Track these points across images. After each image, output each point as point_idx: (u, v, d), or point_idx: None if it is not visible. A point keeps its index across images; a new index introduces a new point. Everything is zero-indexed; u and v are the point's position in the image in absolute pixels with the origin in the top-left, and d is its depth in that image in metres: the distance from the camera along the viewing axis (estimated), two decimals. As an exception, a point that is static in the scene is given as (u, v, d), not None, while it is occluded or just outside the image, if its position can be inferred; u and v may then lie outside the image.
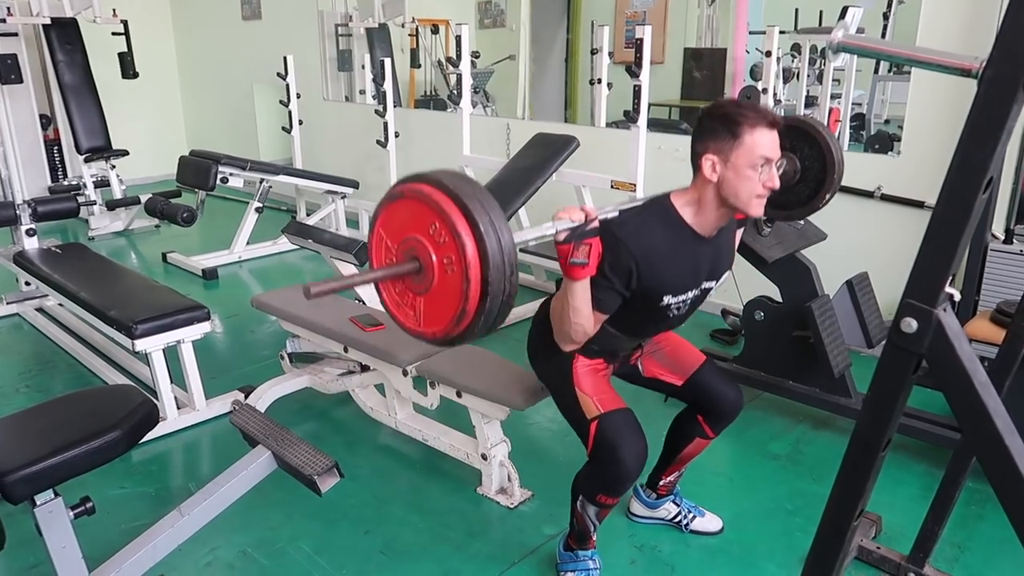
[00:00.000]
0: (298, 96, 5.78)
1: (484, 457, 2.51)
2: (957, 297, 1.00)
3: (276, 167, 5.28)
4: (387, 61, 4.98)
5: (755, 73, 6.64)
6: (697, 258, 1.81)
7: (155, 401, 1.88)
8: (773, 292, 3.01)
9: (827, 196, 2.38)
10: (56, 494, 1.73)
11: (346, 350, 2.82)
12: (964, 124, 0.95)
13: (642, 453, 1.88)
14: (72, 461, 1.65)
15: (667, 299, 1.79)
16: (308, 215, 5.84)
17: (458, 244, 1.32)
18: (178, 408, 2.97)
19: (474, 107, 4.75)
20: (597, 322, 1.75)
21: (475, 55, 4.23)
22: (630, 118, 3.50)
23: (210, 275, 4.81)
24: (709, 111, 1.72)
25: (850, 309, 2.93)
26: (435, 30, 7.10)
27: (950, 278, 0.99)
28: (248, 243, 5.23)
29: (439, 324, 1.42)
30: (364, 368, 2.90)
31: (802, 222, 2.98)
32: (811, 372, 2.90)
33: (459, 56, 4.15)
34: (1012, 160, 3.10)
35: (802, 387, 2.95)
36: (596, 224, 1.58)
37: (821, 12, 6.04)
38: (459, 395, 2.48)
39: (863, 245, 3.45)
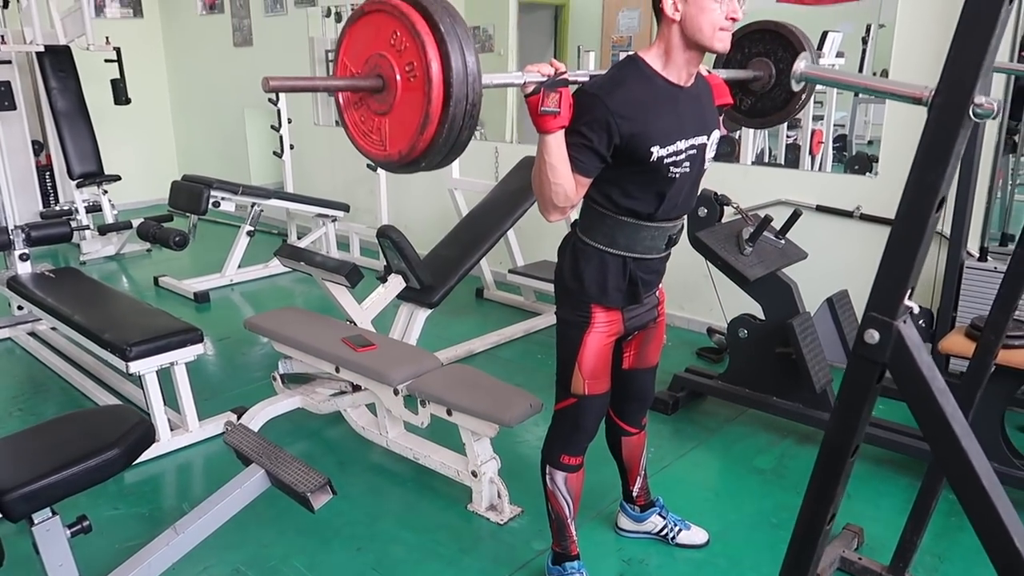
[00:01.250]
0: (289, 121, 5.86)
1: (474, 474, 2.55)
2: (916, 310, 1.06)
3: (267, 191, 5.34)
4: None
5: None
6: (677, 106, 1.77)
7: (151, 421, 1.91)
8: (757, 310, 3.07)
9: (803, 98, 2.28)
10: (54, 512, 1.76)
11: (338, 370, 2.86)
12: (916, 149, 1.01)
13: (600, 418, 2.08)
14: (71, 479, 1.69)
15: (656, 151, 1.72)
16: (299, 238, 5.89)
17: (418, 46, 1.31)
18: (171, 430, 3.00)
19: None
20: (580, 188, 1.71)
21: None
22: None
23: (202, 298, 4.85)
24: None
25: (831, 326, 3.00)
26: None
27: (909, 291, 1.06)
28: (239, 266, 5.27)
29: (404, 140, 1.39)
30: (356, 388, 2.94)
31: (783, 241, 3.07)
32: (794, 388, 2.96)
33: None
34: (984, 182, 3.19)
35: (786, 403, 3.01)
36: (565, 76, 1.59)
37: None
38: (449, 413, 2.52)
39: (844, 264, 3.53)
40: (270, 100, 5.85)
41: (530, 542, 2.43)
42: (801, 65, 1.08)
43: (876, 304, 1.07)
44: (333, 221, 5.56)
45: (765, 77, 2.19)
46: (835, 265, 3.52)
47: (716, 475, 2.86)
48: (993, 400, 2.55)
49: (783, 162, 4.82)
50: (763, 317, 3.05)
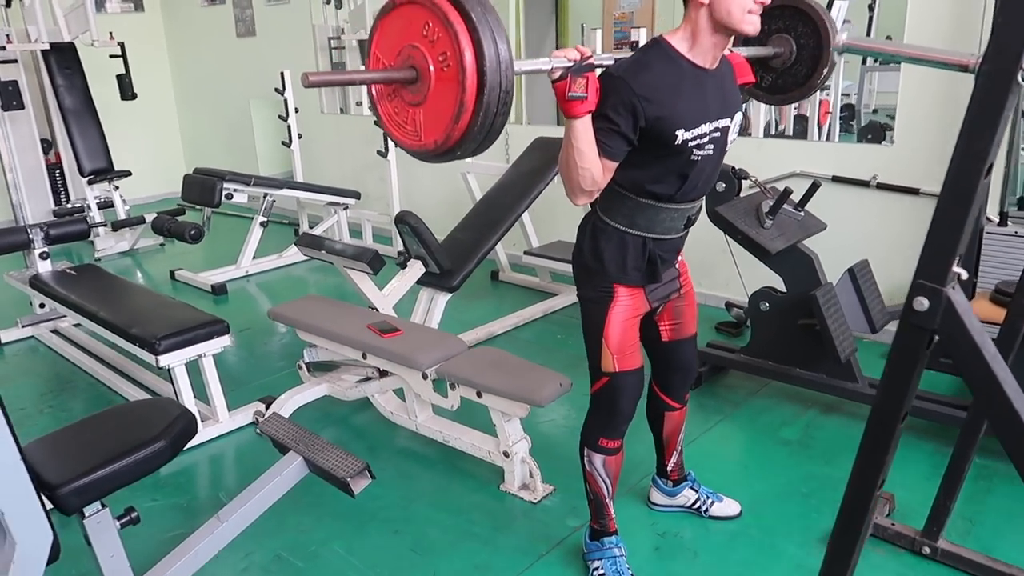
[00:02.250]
0: (296, 110, 5.85)
1: (506, 454, 2.58)
2: (964, 276, 1.07)
3: (279, 181, 5.35)
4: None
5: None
6: (703, 89, 1.77)
7: (192, 412, 1.94)
8: (776, 283, 3.08)
9: (824, 72, 2.22)
10: (103, 505, 1.80)
11: (365, 357, 2.89)
12: (964, 115, 1.02)
13: (637, 398, 2.04)
14: (121, 472, 1.72)
15: (681, 134, 1.73)
16: (311, 227, 5.91)
17: (451, 36, 1.33)
18: (202, 421, 3.03)
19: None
20: (607, 172, 1.72)
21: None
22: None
23: (219, 290, 4.87)
24: None
25: (853, 296, 3.01)
26: None
27: (957, 258, 1.07)
28: (254, 257, 5.29)
29: (439, 129, 1.41)
30: (383, 374, 2.97)
31: (802, 213, 3.07)
32: (817, 359, 2.98)
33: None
34: (1003, 147, 3.18)
35: (809, 374, 3.03)
36: (592, 60, 1.59)
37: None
38: (479, 395, 2.55)
39: (862, 234, 3.54)
40: (276, 90, 5.85)
41: (564, 519, 2.46)
42: (843, 36, 1.08)
43: (925, 271, 1.08)
44: (345, 209, 5.56)
45: (786, 53, 2.19)
46: (853, 235, 3.52)
47: (743, 448, 2.88)
48: (1019, 364, 2.56)
49: (791, 133, 4.81)
50: (784, 290, 3.06)
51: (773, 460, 2.77)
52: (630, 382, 2.02)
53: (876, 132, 4.55)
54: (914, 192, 3.45)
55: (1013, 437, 1.07)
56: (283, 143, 5.97)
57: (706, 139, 1.79)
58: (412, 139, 1.50)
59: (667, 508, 2.46)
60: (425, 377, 2.69)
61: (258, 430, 2.93)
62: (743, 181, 3.08)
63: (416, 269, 3.47)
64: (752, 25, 1.72)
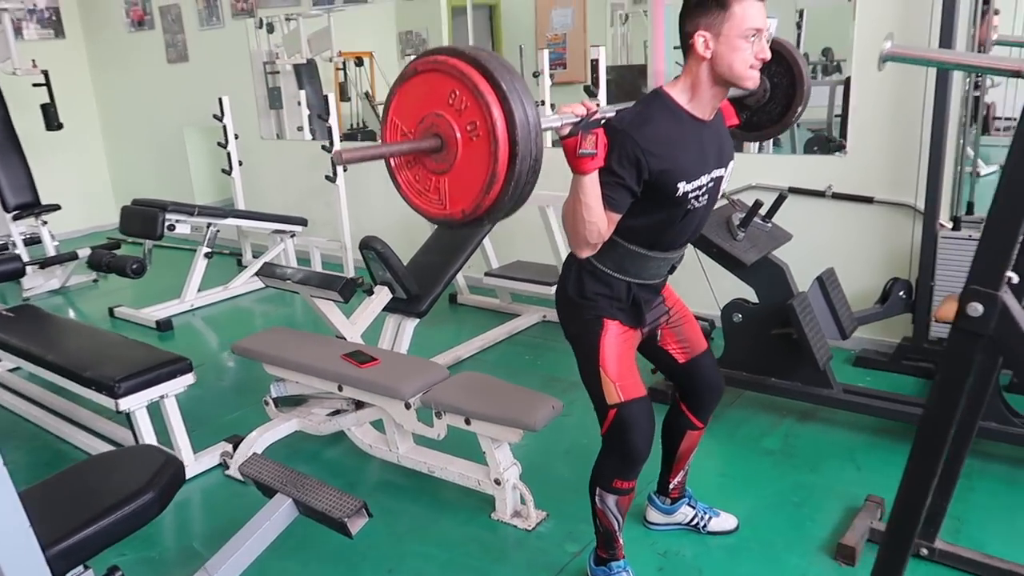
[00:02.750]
0: (236, 137, 5.67)
1: (497, 482, 2.51)
2: (1015, 280, 1.08)
3: (224, 211, 5.16)
4: (331, 96, 4.96)
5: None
6: (702, 141, 1.80)
7: (179, 459, 1.81)
8: (747, 294, 3.12)
9: (799, 110, 2.34)
10: (86, 567, 1.65)
11: (341, 389, 2.77)
12: (1018, 122, 1.03)
13: (651, 435, 1.97)
14: (108, 530, 1.58)
15: (682, 186, 1.76)
16: (255, 257, 5.72)
17: (481, 106, 1.30)
18: (165, 466, 2.85)
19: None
20: (611, 223, 1.73)
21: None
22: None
23: (165, 326, 4.64)
24: None
25: (823, 304, 3.07)
26: (359, 63, 7.14)
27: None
28: (199, 290, 5.07)
29: (467, 199, 1.38)
30: (359, 405, 2.86)
31: (770, 224, 3.12)
32: (792, 367, 3.02)
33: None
34: (952, 155, 3.31)
35: (785, 382, 3.06)
36: (598, 116, 1.60)
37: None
38: (468, 422, 2.47)
39: (821, 242, 3.62)
40: (215, 116, 5.66)
41: (562, 545, 2.40)
42: (887, 45, 1.08)
43: (978, 277, 1.08)
44: (292, 236, 5.41)
45: (760, 92, 2.24)
46: (812, 245, 3.60)
47: (727, 460, 2.88)
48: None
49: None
50: (756, 301, 3.09)
51: (759, 471, 2.78)
52: (640, 413, 1.95)
53: (821, 143, 4.70)
54: (868, 200, 3.56)
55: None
56: (223, 171, 5.78)
57: (703, 190, 1.84)
58: (436, 208, 1.47)
59: (664, 527, 2.43)
60: (408, 407, 2.60)
61: (229, 472, 2.79)
62: (711, 195, 3.11)
63: (383, 295, 3.38)
64: (753, 80, 1.75)
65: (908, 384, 3.41)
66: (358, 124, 7.36)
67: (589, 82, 3.44)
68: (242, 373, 3.89)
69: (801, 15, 6.53)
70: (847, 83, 5.29)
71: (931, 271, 3.30)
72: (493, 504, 2.57)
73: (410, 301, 3.43)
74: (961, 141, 3.32)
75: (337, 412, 2.99)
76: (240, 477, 2.77)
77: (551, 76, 5.19)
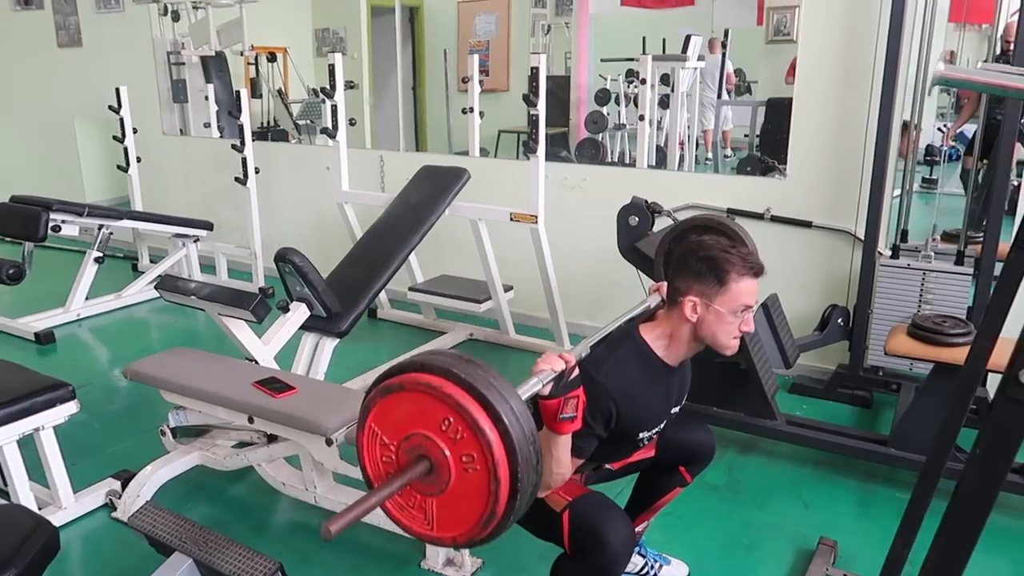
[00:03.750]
0: (135, 131, 5.19)
1: (430, 528, 2.26)
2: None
3: (118, 212, 4.69)
4: (243, 92, 4.58)
5: (601, 99, 6.87)
6: (669, 389, 1.82)
7: (52, 524, 1.48)
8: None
9: None
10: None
11: (252, 420, 2.46)
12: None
13: (629, 534, 1.68)
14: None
15: (642, 434, 1.79)
16: (153, 262, 5.25)
17: (481, 442, 1.20)
18: (39, 508, 2.46)
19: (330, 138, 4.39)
20: (574, 467, 1.70)
21: (350, 84, 3.97)
22: (529, 148, 3.39)
23: (46, 338, 4.15)
24: (697, 251, 1.71)
25: (768, 331, 2.97)
26: (272, 58, 6.76)
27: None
28: (87, 298, 4.58)
29: (460, 527, 1.27)
30: (271, 438, 2.55)
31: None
32: (736, 397, 2.90)
33: (333, 86, 3.87)
34: (890, 181, 3.29)
35: (728, 413, 2.94)
36: (577, 372, 1.52)
37: (664, 40, 6.36)
38: (398, 462, 2.21)
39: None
40: (111, 108, 5.17)
41: (502, 598, 2.18)
42: (940, 67, 0.92)
43: (1037, 339, 0.93)
44: (195, 241, 4.98)
45: None
46: (751, 268, 3.51)
47: (672, 497, 2.72)
48: (938, 397, 2.59)
49: (650, 164, 4.91)
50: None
51: (706, 509, 2.64)
52: (596, 500, 1.69)
53: (754, 164, 4.68)
54: (807, 225, 3.50)
55: None
56: (119, 167, 5.28)
57: (658, 431, 1.85)
58: (422, 527, 1.31)
59: (612, 575, 2.24)
60: (330, 443, 2.32)
61: (117, 515, 2.43)
62: (656, 215, 2.97)
63: (301, 312, 3.07)
64: (733, 349, 1.72)
65: (844, 412, 3.36)
66: (269, 122, 6.96)
67: (530, 91, 3.24)
68: (135, 396, 3.48)
69: (726, 35, 6.60)
70: (767, 104, 5.36)
71: (869, 298, 3.26)
72: (423, 551, 2.31)
73: (330, 319, 3.14)
74: (906, 168, 3.31)
75: (245, 445, 2.67)
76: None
77: (480, 83, 4.99)
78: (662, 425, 1.84)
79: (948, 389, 2.59)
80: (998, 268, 3.11)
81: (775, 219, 3.56)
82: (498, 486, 1.19)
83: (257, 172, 4.76)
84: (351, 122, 4.04)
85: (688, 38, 5.99)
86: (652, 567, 2.23)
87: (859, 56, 3.22)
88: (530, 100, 3.28)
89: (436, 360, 1.26)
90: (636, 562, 2.23)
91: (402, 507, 1.32)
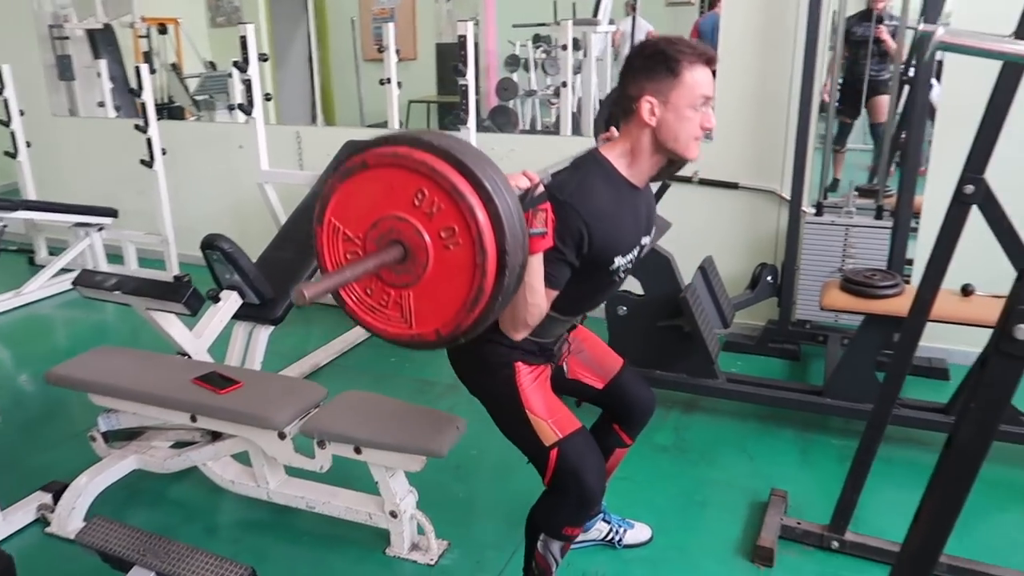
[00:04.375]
0: (22, 113, 4.80)
1: (393, 514, 2.22)
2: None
3: (13, 202, 4.33)
4: (143, 68, 4.29)
5: (511, 65, 6.81)
6: (637, 211, 1.71)
7: (5, 552, 1.36)
8: (629, 285, 3.02)
9: (668, 185, 2.33)
10: None
11: (194, 419, 2.34)
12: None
13: (603, 471, 1.79)
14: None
15: (617, 260, 1.67)
16: (52, 254, 4.90)
17: (461, 209, 1.09)
18: (-39, 531, 2.28)
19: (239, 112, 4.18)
20: (548, 300, 1.58)
21: (263, 57, 3.76)
22: (460, 120, 3.32)
23: (-62, 345, 3.83)
24: (642, 50, 1.61)
25: (706, 293, 3.03)
26: (163, 30, 6.37)
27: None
28: (-18, 297, 4.25)
29: (442, 317, 1.16)
30: (216, 436, 2.44)
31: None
32: (679, 358, 2.97)
33: (246, 59, 3.67)
34: (813, 143, 3.40)
35: (670, 374, 3.01)
36: (543, 188, 1.44)
37: (574, 4, 6.35)
38: (358, 451, 2.16)
39: (692, 229, 3.59)
40: (-9, 88, 4.75)
41: (472, 577, 2.17)
42: (940, 32, 0.93)
43: (1028, 297, 0.97)
44: (99, 230, 4.67)
45: None
46: (684, 232, 3.56)
47: (626, 461, 2.74)
48: (869, 347, 2.72)
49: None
50: (641, 292, 3.00)
51: (659, 470, 2.70)
52: (585, 446, 1.75)
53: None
54: (734, 187, 3.59)
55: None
56: (7, 153, 4.87)
57: (631, 261, 1.75)
58: (398, 327, 1.20)
59: (579, 545, 2.26)
60: (283, 437, 2.23)
61: (51, 529, 2.27)
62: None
63: (233, 301, 2.93)
64: (696, 152, 1.64)
65: (775, 366, 3.50)
66: (164, 99, 6.57)
67: (459, 62, 3.16)
68: (51, 401, 3.26)
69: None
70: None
71: (795, 255, 3.38)
72: (387, 538, 2.28)
73: (263, 306, 3.01)
74: (828, 130, 3.43)
75: (184, 444, 2.55)
76: (68, 536, 2.28)
77: (397, 52, 4.83)
78: (635, 253, 1.74)
79: (878, 339, 2.73)
80: (913, 223, 3.28)
81: (703, 182, 3.63)
82: (484, 257, 1.09)
83: (164, 153, 4.49)
84: (267, 97, 3.84)
85: (599, 1, 5.99)
86: (617, 532, 2.27)
87: (780, 19, 3.29)
88: (459, 70, 3.20)
89: (402, 133, 1.14)
90: (601, 528, 2.26)
91: (374, 309, 1.21)
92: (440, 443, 2.07)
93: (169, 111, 6.18)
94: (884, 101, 4.54)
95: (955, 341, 3.22)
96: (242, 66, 3.66)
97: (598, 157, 1.66)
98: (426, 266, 1.13)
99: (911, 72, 3.70)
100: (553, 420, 1.72)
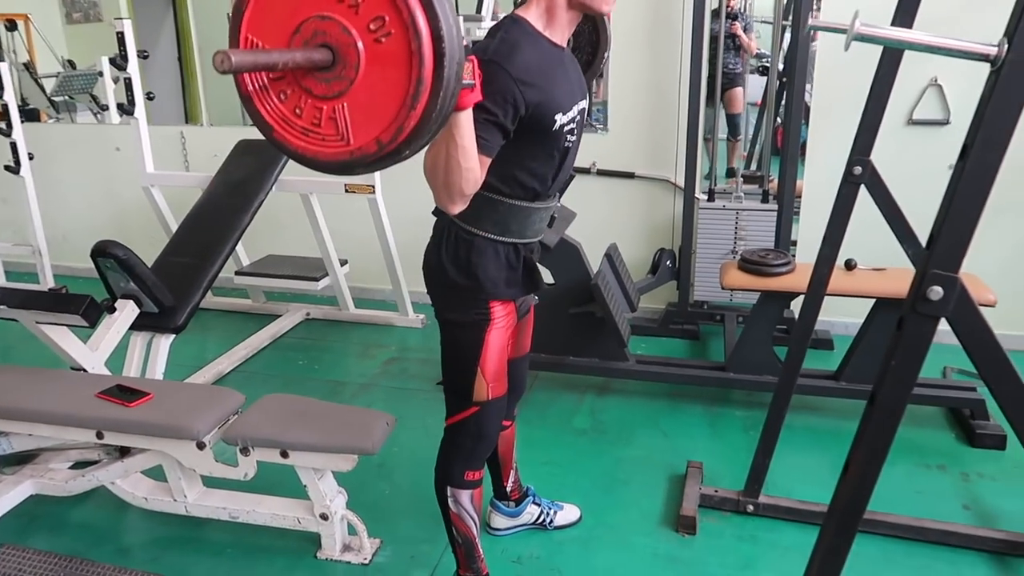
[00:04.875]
0: None
1: (324, 516, 2.18)
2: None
3: None
4: (3, 67, 3.97)
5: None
6: (565, 68, 1.68)
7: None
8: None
9: (605, 55, 2.28)
10: None
11: (101, 436, 2.20)
12: (980, 105, 1.03)
13: (500, 425, 1.92)
14: None
15: (559, 118, 1.61)
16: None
17: None
18: None
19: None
20: (483, 169, 1.50)
21: (143, 54, 3.55)
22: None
23: None
24: None
25: (613, 279, 3.14)
26: (11, 26, 5.92)
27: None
28: None
29: (383, 119, 1.07)
30: (124, 452, 2.31)
31: (559, 204, 3.10)
32: (591, 344, 3.06)
33: (124, 56, 3.46)
34: (700, 134, 3.57)
35: (583, 360, 3.10)
36: (468, 41, 1.37)
37: (456, 2, 6.36)
38: (285, 455, 2.11)
39: (593, 218, 3.70)
40: None
41: (409, 573, 2.17)
42: (856, 24, 1.02)
43: (939, 261, 1.08)
44: (-42, 243, 4.30)
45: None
46: (586, 221, 3.67)
47: (547, 446, 2.83)
48: (766, 322, 2.90)
49: None
50: (551, 281, 3.07)
51: (580, 452, 2.78)
52: (499, 406, 1.84)
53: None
54: (631, 176, 3.72)
55: (1018, 407, 1.13)
56: None
57: (575, 123, 1.69)
58: (335, 146, 1.09)
59: (510, 530, 2.31)
60: (202, 447, 2.15)
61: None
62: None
63: (130, 310, 2.78)
64: (609, 4, 1.62)
65: (678, 346, 3.67)
66: (17, 101, 6.10)
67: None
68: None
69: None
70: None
71: (691, 240, 3.55)
72: (317, 542, 2.23)
73: (163, 314, 2.87)
74: (715, 122, 3.61)
75: (84, 464, 2.41)
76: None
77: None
78: (576, 114, 1.68)
79: (774, 314, 2.92)
80: (796, 204, 3.52)
81: (601, 172, 3.75)
82: (420, 43, 1.02)
83: (31, 158, 4.17)
84: (149, 96, 3.65)
85: (481, -1, 6.03)
86: (548, 514, 2.32)
87: (667, 15, 3.44)
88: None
89: None
90: (532, 511, 2.31)
91: (307, 131, 1.12)
92: (371, 440, 2.05)
93: (25, 113, 5.73)
94: (739, 93, 4.84)
95: (837, 313, 3.49)
96: (120, 64, 3.46)
97: (517, 18, 1.61)
98: (358, 67, 1.06)
99: (767, 64, 3.96)
100: (493, 385, 1.76)
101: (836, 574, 1.26)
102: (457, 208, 1.50)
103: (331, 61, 1.05)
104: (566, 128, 1.64)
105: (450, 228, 1.69)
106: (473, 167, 1.44)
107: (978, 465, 2.64)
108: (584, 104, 1.75)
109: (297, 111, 1.10)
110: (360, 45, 1.04)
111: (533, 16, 1.62)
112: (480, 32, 5.76)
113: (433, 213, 1.74)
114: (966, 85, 3.16)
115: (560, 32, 1.64)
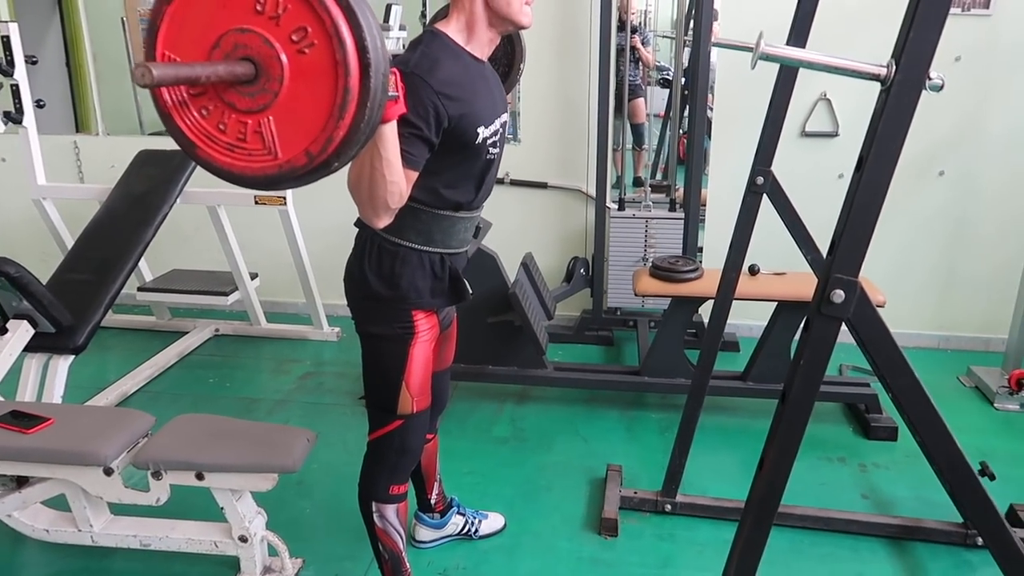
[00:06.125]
0: None
1: (243, 539, 2.12)
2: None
3: None
4: None
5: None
6: (487, 81, 1.71)
7: None
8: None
9: (521, 67, 2.40)
10: None
11: (-5, 466, 2.07)
12: (873, 121, 1.11)
13: (424, 438, 1.91)
14: None
15: (482, 131, 1.63)
16: None
17: (311, 3, 1.00)
18: None
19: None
20: (409, 183, 1.51)
21: (31, 59, 3.35)
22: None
23: None
24: None
25: (530, 288, 3.18)
26: None
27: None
28: None
29: (311, 131, 1.05)
30: (22, 482, 2.18)
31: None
32: (510, 352, 3.09)
33: (11, 62, 3.27)
34: (611, 143, 3.67)
35: (502, 369, 3.13)
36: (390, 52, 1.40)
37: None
38: (200, 477, 2.03)
39: (508, 228, 3.75)
40: None
41: (333, 592, 2.13)
42: (762, 44, 1.09)
43: (841, 265, 1.16)
44: None
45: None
46: (500, 230, 3.71)
47: (468, 456, 2.84)
48: (677, 326, 3.00)
49: None
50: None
51: (502, 461, 2.80)
52: (423, 420, 1.84)
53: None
54: (543, 186, 3.79)
55: (916, 406, 1.23)
56: None
57: (497, 136, 1.72)
58: (263, 160, 1.06)
59: (435, 542, 2.31)
60: (110, 472, 2.05)
61: None
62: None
63: (24, 331, 2.63)
64: (528, 17, 1.65)
65: (593, 352, 3.74)
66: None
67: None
68: None
69: (425, 4, 6.75)
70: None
71: (603, 248, 3.64)
72: (236, 566, 2.17)
73: (61, 334, 2.73)
74: (623, 136, 3.72)
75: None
76: None
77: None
78: (498, 128, 1.71)
79: (684, 318, 3.02)
80: (701, 213, 3.66)
81: (514, 182, 3.80)
82: (345, 52, 1.01)
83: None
84: (38, 104, 3.46)
85: (389, 8, 6.01)
86: (472, 524, 2.33)
87: (576, 27, 3.52)
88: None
89: None
90: (457, 522, 2.31)
91: (232, 147, 1.08)
92: (292, 458, 2.01)
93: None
94: (641, 104, 5.03)
95: (742, 316, 3.64)
96: (6, 70, 3.26)
97: (436, 33, 1.63)
98: (282, 79, 1.03)
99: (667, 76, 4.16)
100: (417, 399, 1.76)
101: (754, 565, 1.32)
102: (383, 222, 1.50)
103: (254, 74, 1.04)
104: (489, 141, 1.67)
105: (373, 239, 1.69)
106: (398, 180, 1.44)
107: (873, 456, 2.81)
108: (506, 117, 1.78)
109: (221, 126, 1.07)
110: (283, 57, 1.02)
111: (453, 30, 1.64)
112: (389, 42, 5.79)
113: (355, 224, 1.73)
114: (854, 99, 3.38)
115: (481, 47, 1.67)
